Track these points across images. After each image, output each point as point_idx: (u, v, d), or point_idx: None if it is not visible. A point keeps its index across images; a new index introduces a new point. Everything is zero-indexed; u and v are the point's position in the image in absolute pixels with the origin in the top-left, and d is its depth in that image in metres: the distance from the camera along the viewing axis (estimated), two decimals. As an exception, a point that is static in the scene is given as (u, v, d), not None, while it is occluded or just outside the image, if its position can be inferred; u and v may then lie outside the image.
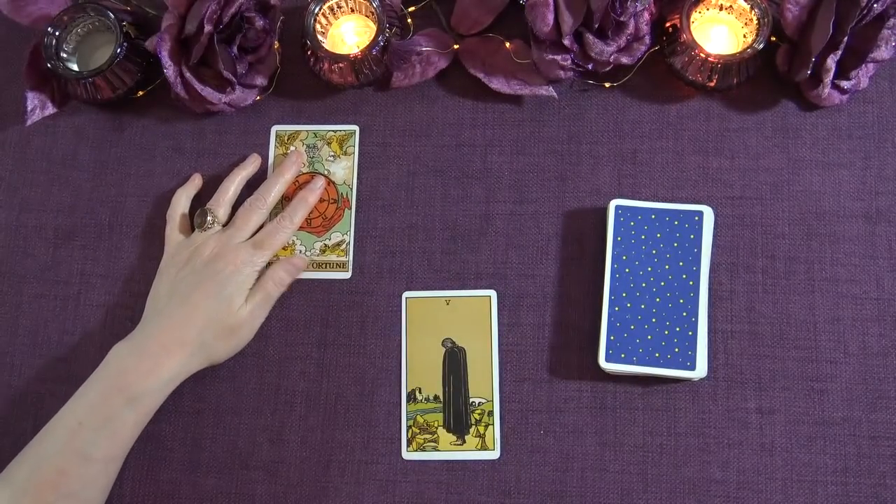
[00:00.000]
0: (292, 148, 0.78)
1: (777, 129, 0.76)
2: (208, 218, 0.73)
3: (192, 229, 0.74)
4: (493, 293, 0.74)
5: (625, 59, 0.75)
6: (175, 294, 0.70)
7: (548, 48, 0.74)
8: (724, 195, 0.74)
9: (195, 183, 0.77)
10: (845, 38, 0.70)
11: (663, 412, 0.70)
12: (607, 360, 0.69)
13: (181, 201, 0.76)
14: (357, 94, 0.80)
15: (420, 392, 0.72)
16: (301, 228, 0.77)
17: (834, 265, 0.72)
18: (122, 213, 0.79)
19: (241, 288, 0.70)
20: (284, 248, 0.76)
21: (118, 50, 0.76)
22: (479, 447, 0.71)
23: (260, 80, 0.78)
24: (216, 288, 0.69)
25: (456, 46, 0.79)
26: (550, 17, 0.73)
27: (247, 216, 0.73)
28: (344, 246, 0.76)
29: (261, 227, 0.74)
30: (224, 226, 0.74)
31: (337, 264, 0.76)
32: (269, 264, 0.73)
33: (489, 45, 0.78)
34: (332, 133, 0.79)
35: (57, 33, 0.78)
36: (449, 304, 0.74)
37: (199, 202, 0.77)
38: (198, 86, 0.75)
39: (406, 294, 0.75)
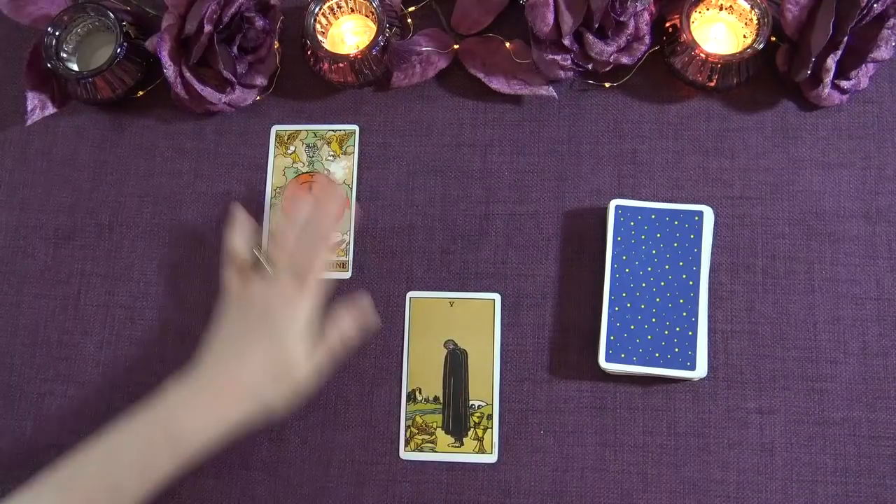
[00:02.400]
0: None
1: (777, 129, 0.76)
2: (263, 260, 0.68)
3: (251, 270, 0.69)
4: (497, 296, 0.74)
5: (625, 59, 0.75)
6: (231, 340, 0.66)
7: (548, 48, 0.74)
8: (724, 195, 0.74)
9: (244, 222, 0.71)
10: (845, 38, 0.70)
11: (663, 412, 0.70)
12: (607, 360, 0.69)
13: (237, 243, 0.70)
14: (357, 94, 0.80)
15: (420, 392, 0.72)
16: (301, 228, 0.76)
17: (834, 265, 0.72)
18: (122, 213, 0.79)
19: (298, 335, 0.65)
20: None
21: (118, 50, 0.76)
22: (476, 450, 0.71)
23: (260, 80, 0.78)
24: (273, 337, 0.65)
25: (456, 46, 0.79)
26: (550, 17, 0.72)
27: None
28: (344, 246, 0.76)
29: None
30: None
31: (337, 264, 0.76)
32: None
33: (489, 45, 0.78)
34: (332, 133, 0.79)
35: (57, 33, 0.78)
36: (452, 305, 0.74)
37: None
38: (198, 86, 0.75)
39: (410, 294, 0.75)
